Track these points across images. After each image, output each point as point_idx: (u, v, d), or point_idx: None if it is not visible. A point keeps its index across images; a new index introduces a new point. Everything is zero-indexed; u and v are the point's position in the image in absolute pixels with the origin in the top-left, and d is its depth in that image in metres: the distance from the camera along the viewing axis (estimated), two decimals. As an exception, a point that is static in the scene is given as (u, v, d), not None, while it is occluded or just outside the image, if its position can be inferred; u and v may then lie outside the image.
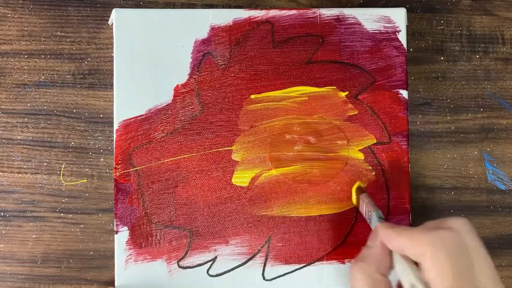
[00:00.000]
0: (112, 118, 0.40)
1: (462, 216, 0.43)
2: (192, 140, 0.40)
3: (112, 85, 0.41)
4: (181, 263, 0.39)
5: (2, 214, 0.42)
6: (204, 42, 0.40)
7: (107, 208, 0.42)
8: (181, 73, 0.40)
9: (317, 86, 0.40)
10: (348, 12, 0.41)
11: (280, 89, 0.40)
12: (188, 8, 0.43)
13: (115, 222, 0.39)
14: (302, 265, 0.39)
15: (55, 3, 0.43)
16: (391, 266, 0.33)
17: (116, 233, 0.39)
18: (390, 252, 0.33)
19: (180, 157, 0.40)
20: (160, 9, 0.42)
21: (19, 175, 0.42)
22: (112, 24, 0.41)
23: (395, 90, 0.40)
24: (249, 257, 0.39)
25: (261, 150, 0.40)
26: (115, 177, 0.39)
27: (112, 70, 0.40)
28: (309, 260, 0.40)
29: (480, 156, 0.43)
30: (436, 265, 0.29)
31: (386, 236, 0.33)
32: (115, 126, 0.39)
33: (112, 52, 0.40)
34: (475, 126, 0.44)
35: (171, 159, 0.39)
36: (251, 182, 0.40)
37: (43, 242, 0.42)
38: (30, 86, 0.42)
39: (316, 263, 0.40)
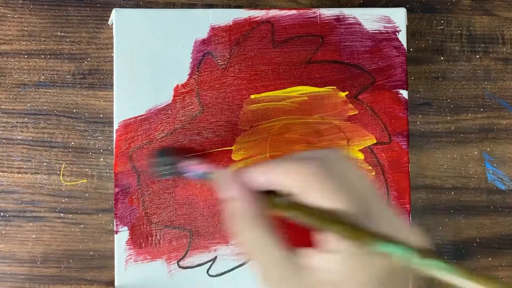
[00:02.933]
0: (112, 118, 0.40)
1: (462, 216, 0.43)
2: (192, 140, 0.40)
3: (112, 85, 0.41)
4: (181, 263, 0.39)
5: (2, 214, 0.42)
6: (204, 42, 0.40)
7: (107, 208, 0.42)
8: (181, 73, 0.40)
9: (317, 86, 0.40)
10: (348, 12, 0.41)
11: (280, 89, 0.40)
12: (188, 8, 0.43)
13: (115, 222, 0.39)
14: None
15: (55, 3, 0.43)
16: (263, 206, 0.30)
17: (116, 233, 0.39)
18: (258, 194, 0.30)
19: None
20: (160, 9, 0.42)
21: (19, 175, 0.42)
22: (112, 24, 0.41)
23: (395, 90, 0.40)
24: (249, 257, 0.39)
25: (261, 150, 0.40)
26: (115, 177, 0.39)
27: (112, 70, 0.40)
28: (309, 260, 0.39)
29: (480, 156, 0.43)
30: (320, 189, 0.27)
31: (249, 178, 0.30)
32: (115, 126, 0.39)
33: (112, 52, 0.40)
34: (475, 126, 0.44)
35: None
36: (251, 182, 0.40)
37: (43, 242, 0.42)
38: (30, 86, 0.42)
39: (316, 263, 0.39)
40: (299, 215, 0.28)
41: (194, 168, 0.34)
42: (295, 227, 0.30)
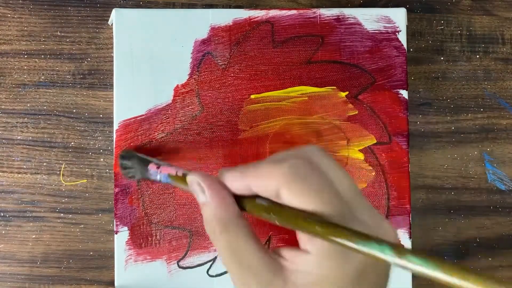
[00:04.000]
0: (112, 118, 0.40)
1: (462, 216, 0.43)
2: (192, 140, 0.40)
3: (112, 85, 0.41)
4: (181, 263, 0.39)
5: (2, 214, 0.42)
6: (204, 42, 0.40)
7: (107, 208, 0.42)
8: (181, 73, 0.40)
9: (317, 86, 0.40)
10: (348, 12, 0.41)
11: (280, 89, 0.40)
12: (188, 8, 0.43)
13: (115, 222, 0.39)
14: None
15: (55, 3, 0.43)
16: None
17: (116, 233, 0.39)
18: (230, 198, 0.29)
19: (180, 157, 0.40)
20: (160, 9, 0.42)
21: (19, 175, 0.42)
22: (112, 24, 0.41)
23: (395, 90, 0.40)
24: (249, 257, 0.39)
25: (261, 150, 0.40)
26: (115, 177, 0.39)
27: (112, 70, 0.40)
28: (309, 260, 0.39)
29: (480, 156, 0.43)
30: (295, 191, 0.27)
31: (228, 181, 0.29)
32: (115, 126, 0.39)
33: (112, 52, 0.40)
34: (475, 126, 0.44)
35: (171, 159, 0.39)
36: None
37: (43, 242, 0.42)
38: (30, 86, 0.42)
39: (316, 263, 0.39)
40: (273, 217, 0.28)
41: (161, 170, 0.33)
42: (282, 228, 0.30)
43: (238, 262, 0.28)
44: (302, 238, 0.27)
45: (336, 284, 0.26)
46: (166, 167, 0.33)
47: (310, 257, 0.27)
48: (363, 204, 0.28)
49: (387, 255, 0.24)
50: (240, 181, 0.29)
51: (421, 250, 0.24)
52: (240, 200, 0.29)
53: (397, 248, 0.24)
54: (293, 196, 0.27)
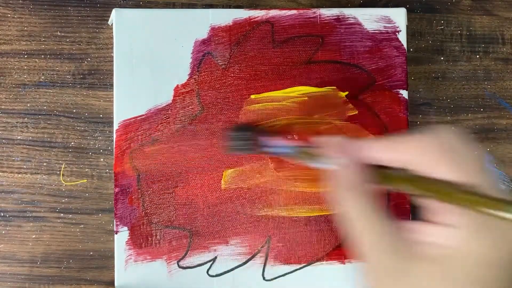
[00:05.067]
0: (112, 118, 0.40)
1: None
2: (192, 140, 0.40)
3: (112, 85, 0.41)
4: (181, 263, 0.39)
5: (2, 214, 0.42)
6: (204, 42, 0.40)
7: (107, 208, 0.42)
8: (181, 73, 0.40)
9: (317, 86, 0.40)
10: (348, 12, 0.41)
11: (280, 89, 0.40)
12: (188, 8, 0.43)
13: (115, 222, 0.39)
14: (302, 265, 0.39)
15: (55, 3, 0.43)
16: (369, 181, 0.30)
17: (116, 233, 0.39)
18: (368, 167, 0.30)
19: (180, 157, 0.40)
20: (160, 9, 0.42)
21: (19, 175, 0.42)
22: (112, 24, 0.41)
23: (395, 90, 0.40)
24: (249, 257, 0.39)
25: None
26: (115, 177, 0.39)
27: (112, 70, 0.40)
28: (309, 260, 0.40)
29: (480, 156, 0.43)
30: (451, 163, 0.26)
31: (363, 149, 0.29)
32: (115, 126, 0.39)
33: (112, 52, 0.40)
34: (475, 126, 0.44)
35: (171, 159, 0.39)
36: (251, 182, 0.40)
37: (43, 242, 0.42)
38: (30, 86, 0.42)
39: (316, 263, 0.39)
40: (416, 189, 0.27)
41: (278, 142, 0.33)
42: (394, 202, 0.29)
43: (369, 227, 0.28)
44: (446, 212, 0.26)
45: (486, 262, 0.25)
46: (289, 140, 0.34)
47: (456, 231, 0.26)
48: (496, 181, 0.28)
49: None
50: (385, 152, 0.28)
51: None
52: (377, 170, 0.29)
53: None
54: (450, 168, 0.26)
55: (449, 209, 0.26)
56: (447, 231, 0.26)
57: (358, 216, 0.28)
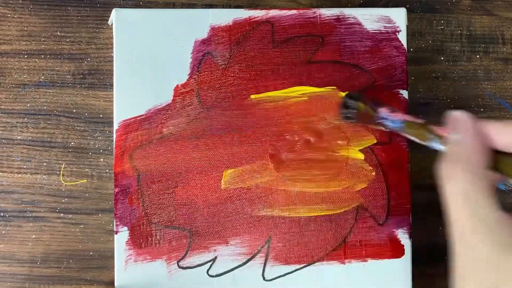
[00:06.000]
0: (112, 118, 0.40)
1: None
2: (192, 140, 0.40)
3: (112, 85, 0.41)
4: (181, 263, 0.39)
5: (2, 214, 0.42)
6: (204, 42, 0.40)
7: (107, 208, 0.42)
8: (181, 73, 0.40)
9: (317, 86, 0.40)
10: (348, 12, 0.41)
11: (280, 89, 0.40)
12: (188, 8, 0.43)
13: (115, 222, 0.39)
14: (302, 265, 0.39)
15: (55, 3, 0.43)
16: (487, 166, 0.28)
17: (116, 233, 0.39)
18: (488, 149, 0.28)
19: (180, 157, 0.40)
20: (160, 9, 0.42)
21: (19, 175, 0.42)
22: (112, 24, 0.41)
23: (395, 90, 0.40)
24: (249, 257, 0.39)
25: (262, 150, 0.40)
26: (115, 177, 0.39)
27: (112, 70, 0.40)
28: (309, 260, 0.39)
29: (480, 156, 0.43)
30: None
31: (491, 132, 0.28)
32: (115, 126, 0.39)
33: (112, 52, 0.40)
34: (475, 126, 0.43)
35: (171, 159, 0.39)
36: (251, 182, 0.40)
37: (43, 242, 0.42)
38: (29, 86, 0.42)
39: (316, 263, 0.39)
40: None
41: (394, 116, 0.33)
42: None
43: (474, 211, 0.26)
44: None
45: None
46: (400, 113, 0.33)
47: None
48: None
49: None
50: (508, 135, 0.28)
51: None
52: (495, 155, 0.28)
53: None
54: None
55: None
56: None
57: (466, 199, 0.27)
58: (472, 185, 0.27)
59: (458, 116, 0.29)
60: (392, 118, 0.34)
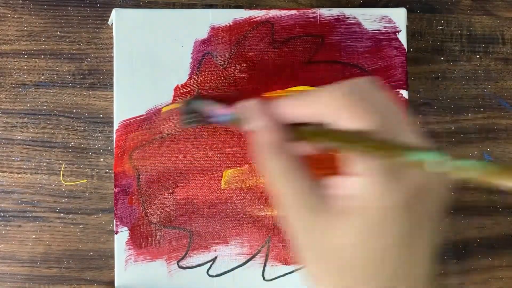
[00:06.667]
0: (112, 118, 0.40)
1: (462, 216, 0.43)
2: (192, 140, 0.40)
3: (112, 85, 0.41)
4: (181, 263, 0.39)
5: (2, 214, 0.42)
6: (204, 42, 0.40)
7: (107, 208, 0.42)
8: (181, 73, 0.40)
9: (317, 86, 0.40)
10: (348, 12, 0.41)
11: (280, 89, 0.40)
12: (188, 8, 0.43)
13: (115, 222, 0.39)
14: (302, 265, 0.39)
15: (55, 3, 0.43)
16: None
17: (116, 233, 0.39)
18: (285, 125, 0.30)
19: (180, 157, 0.40)
20: (160, 9, 0.42)
21: (19, 175, 0.42)
22: (112, 24, 0.41)
23: (395, 90, 0.40)
24: (249, 257, 0.39)
25: (261, 150, 0.40)
26: (115, 177, 0.39)
27: (112, 70, 0.40)
28: (309, 260, 0.39)
29: (480, 156, 0.43)
30: (355, 111, 0.27)
31: (278, 110, 0.30)
32: (115, 126, 0.39)
33: (112, 52, 0.40)
34: (475, 126, 0.44)
35: (171, 159, 0.39)
36: (251, 182, 0.40)
37: (43, 242, 0.42)
38: (29, 86, 0.42)
39: (316, 263, 0.39)
40: (326, 140, 0.28)
41: (221, 111, 0.34)
42: (319, 161, 0.30)
43: (290, 185, 0.28)
44: (356, 162, 0.27)
45: (385, 205, 0.26)
46: (224, 108, 0.34)
47: (358, 179, 0.26)
48: (407, 124, 0.28)
49: (447, 163, 0.24)
50: (299, 108, 0.29)
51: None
52: (292, 127, 0.30)
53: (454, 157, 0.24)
54: (354, 117, 0.27)
55: (358, 160, 0.27)
56: (353, 181, 0.26)
57: (278, 175, 0.29)
58: (282, 162, 0.29)
59: (252, 105, 0.31)
60: (217, 114, 0.35)
